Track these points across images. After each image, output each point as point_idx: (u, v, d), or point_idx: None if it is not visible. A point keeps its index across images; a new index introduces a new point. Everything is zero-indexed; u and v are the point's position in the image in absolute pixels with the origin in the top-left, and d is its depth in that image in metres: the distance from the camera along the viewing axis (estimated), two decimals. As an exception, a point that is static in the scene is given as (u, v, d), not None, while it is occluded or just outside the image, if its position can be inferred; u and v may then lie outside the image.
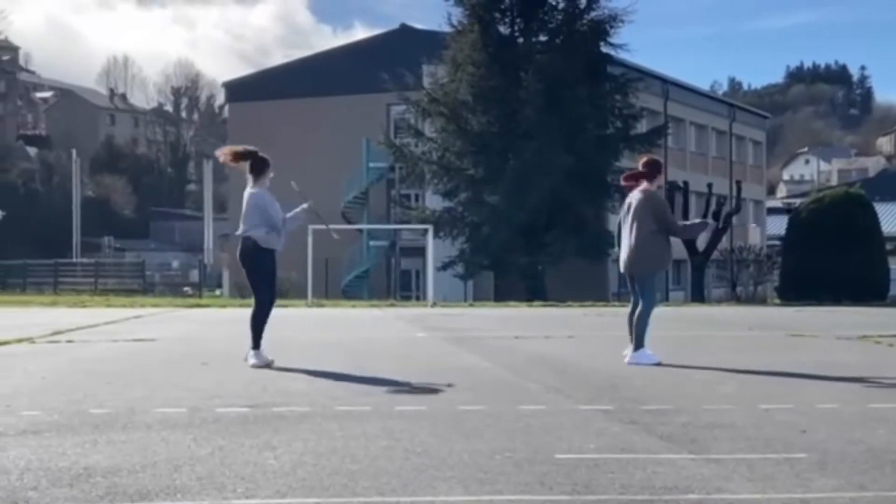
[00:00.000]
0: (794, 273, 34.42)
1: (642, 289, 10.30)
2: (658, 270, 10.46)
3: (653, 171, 10.46)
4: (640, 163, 10.70)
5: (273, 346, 10.75)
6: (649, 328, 10.26)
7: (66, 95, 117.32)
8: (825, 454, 5.29)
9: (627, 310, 10.47)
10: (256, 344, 9.78)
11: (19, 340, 12.93)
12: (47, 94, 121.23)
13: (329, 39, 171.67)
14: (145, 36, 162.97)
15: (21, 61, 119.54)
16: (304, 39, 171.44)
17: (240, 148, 10.32)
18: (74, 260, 57.53)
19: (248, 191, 10.02)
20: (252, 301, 10.08)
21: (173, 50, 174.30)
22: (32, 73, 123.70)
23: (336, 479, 4.65)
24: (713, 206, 41.75)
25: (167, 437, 5.76)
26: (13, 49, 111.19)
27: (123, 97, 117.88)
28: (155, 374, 9.07)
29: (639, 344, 10.06)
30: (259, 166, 10.07)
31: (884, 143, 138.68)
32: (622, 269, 10.48)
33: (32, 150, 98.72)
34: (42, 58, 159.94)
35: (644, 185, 10.35)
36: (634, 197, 10.33)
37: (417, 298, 40.44)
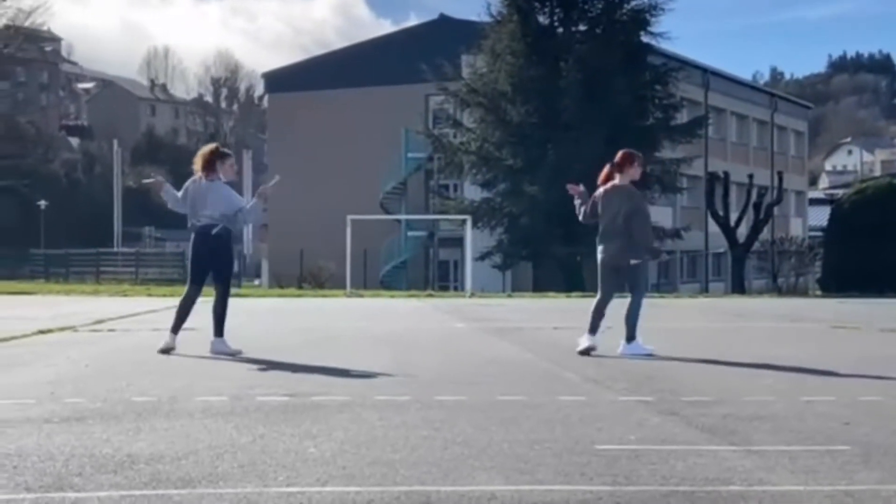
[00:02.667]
0: (837, 264, 34.13)
1: (636, 280, 10.22)
2: (648, 260, 10.45)
3: (623, 164, 10.29)
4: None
5: (311, 335, 10.82)
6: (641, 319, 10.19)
7: (108, 86, 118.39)
8: (868, 447, 5.24)
9: (595, 300, 10.18)
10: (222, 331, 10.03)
11: (62, 329, 13.09)
12: (89, 85, 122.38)
13: (387, 32, 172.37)
14: (200, 27, 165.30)
15: (63, 52, 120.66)
16: (362, 32, 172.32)
17: (207, 151, 10.40)
18: (116, 249, 58.09)
19: (213, 182, 10.07)
20: (202, 291, 10.21)
21: (229, 42, 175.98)
22: (75, 63, 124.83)
23: (376, 469, 4.67)
24: (754, 197, 41.45)
25: (209, 425, 5.80)
26: (56, 40, 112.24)
27: (164, 88, 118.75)
28: (196, 363, 9.14)
29: (632, 335, 10.01)
30: (222, 158, 10.26)
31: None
32: (609, 261, 10.17)
33: (74, 141, 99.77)
34: (86, 49, 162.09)
35: (616, 178, 10.21)
36: (612, 190, 10.17)
37: (455, 289, 40.45)
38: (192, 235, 10.11)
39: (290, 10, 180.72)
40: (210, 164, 10.13)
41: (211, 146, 10.69)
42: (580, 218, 10.47)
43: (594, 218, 10.29)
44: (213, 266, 10.14)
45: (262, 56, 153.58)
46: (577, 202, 10.51)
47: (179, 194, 10.23)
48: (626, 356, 9.73)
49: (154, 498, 4.13)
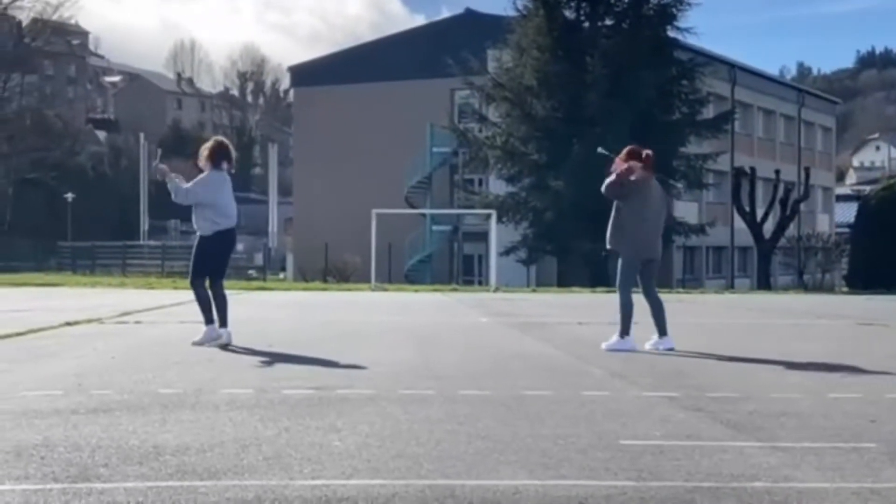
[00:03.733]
0: (863, 261, 33.92)
1: (654, 274, 10.18)
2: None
3: (631, 159, 10.28)
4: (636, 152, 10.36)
5: (336, 329, 10.84)
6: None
7: (135, 80, 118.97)
8: (895, 444, 5.21)
9: (640, 296, 10.06)
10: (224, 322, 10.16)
11: (89, 321, 13.16)
12: (116, 79, 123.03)
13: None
14: (233, 22, 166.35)
15: (91, 46, 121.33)
16: (395, 27, 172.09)
17: (224, 143, 10.39)
18: (142, 242, 58.45)
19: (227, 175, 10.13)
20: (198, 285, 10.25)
21: (262, 37, 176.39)
22: (102, 57, 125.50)
23: (400, 462, 4.68)
24: (780, 193, 41.23)
25: (234, 417, 5.83)
26: (83, 34, 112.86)
27: (190, 81, 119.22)
28: (221, 356, 9.18)
29: (664, 330, 9.97)
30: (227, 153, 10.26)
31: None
32: (654, 256, 10.12)
33: (101, 134, 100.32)
34: (114, 42, 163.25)
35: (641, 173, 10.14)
36: (655, 184, 10.18)
37: (480, 283, 40.44)
38: (227, 233, 10.04)
39: (323, 5, 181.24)
40: (227, 154, 10.15)
41: (221, 138, 10.71)
42: (607, 185, 10.05)
43: (619, 193, 10.02)
44: (226, 260, 10.22)
45: (295, 51, 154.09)
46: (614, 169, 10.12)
47: (197, 188, 10.04)
48: (661, 351, 9.72)
49: (180, 489, 4.15)
